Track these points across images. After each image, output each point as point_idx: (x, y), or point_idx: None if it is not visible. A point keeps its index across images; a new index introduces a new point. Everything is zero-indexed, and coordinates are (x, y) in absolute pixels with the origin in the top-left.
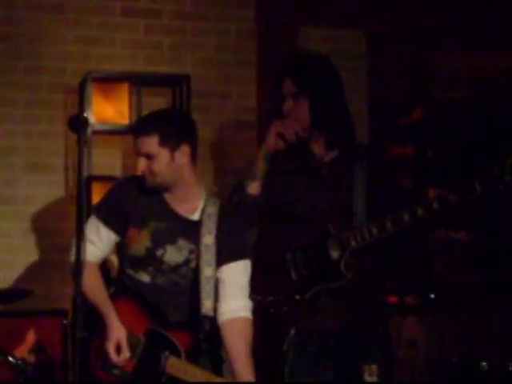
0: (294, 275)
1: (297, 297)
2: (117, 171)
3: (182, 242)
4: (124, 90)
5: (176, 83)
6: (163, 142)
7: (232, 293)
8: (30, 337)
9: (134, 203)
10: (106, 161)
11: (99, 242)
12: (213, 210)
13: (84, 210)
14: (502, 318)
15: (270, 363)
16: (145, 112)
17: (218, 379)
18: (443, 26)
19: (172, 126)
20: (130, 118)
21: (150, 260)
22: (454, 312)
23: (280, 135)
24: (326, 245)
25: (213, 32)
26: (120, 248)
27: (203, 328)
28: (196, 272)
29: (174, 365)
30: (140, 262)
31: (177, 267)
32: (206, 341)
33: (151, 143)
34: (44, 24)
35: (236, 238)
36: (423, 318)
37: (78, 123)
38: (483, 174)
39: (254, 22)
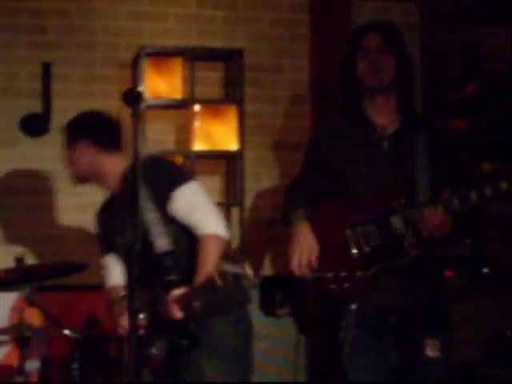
0: (354, 251)
1: (359, 273)
2: (170, 145)
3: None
4: (177, 65)
5: (229, 57)
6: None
7: (192, 218)
8: (84, 311)
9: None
10: (160, 135)
11: None
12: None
13: (139, 184)
14: None
15: (330, 339)
16: (198, 86)
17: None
18: None
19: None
20: (184, 92)
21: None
22: (508, 286)
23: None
24: (389, 221)
25: (266, 6)
26: None
27: (164, 264)
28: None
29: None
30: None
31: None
32: (171, 273)
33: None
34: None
35: (162, 176)
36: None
37: (132, 97)
38: None
39: None
